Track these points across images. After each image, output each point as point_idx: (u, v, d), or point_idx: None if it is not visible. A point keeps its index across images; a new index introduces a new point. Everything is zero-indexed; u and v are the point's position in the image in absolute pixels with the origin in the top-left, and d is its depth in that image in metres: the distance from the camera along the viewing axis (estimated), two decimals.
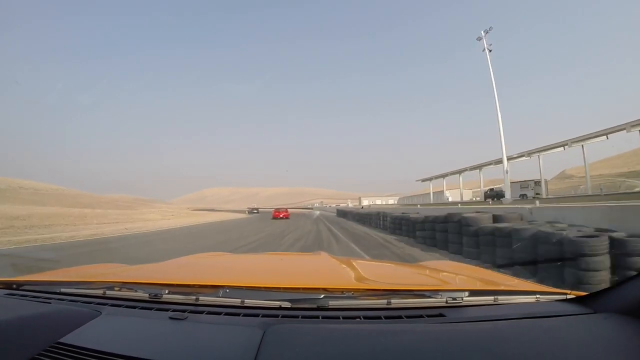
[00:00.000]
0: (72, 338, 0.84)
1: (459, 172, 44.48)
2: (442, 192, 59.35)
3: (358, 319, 0.93)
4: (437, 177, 51.00)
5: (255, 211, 61.95)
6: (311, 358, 0.72)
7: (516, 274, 3.96)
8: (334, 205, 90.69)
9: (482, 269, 1.94)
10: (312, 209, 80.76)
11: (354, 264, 1.79)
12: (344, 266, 1.76)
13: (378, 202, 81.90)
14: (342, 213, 32.56)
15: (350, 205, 78.44)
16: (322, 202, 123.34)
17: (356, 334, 0.83)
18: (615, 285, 0.98)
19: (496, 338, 0.79)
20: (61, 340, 0.83)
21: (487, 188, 40.05)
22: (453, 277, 1.56)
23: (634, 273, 0.94)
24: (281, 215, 29.91)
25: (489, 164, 37.19)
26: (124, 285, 1.18)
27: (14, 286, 1.28)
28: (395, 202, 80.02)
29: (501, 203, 25.48)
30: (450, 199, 50.51)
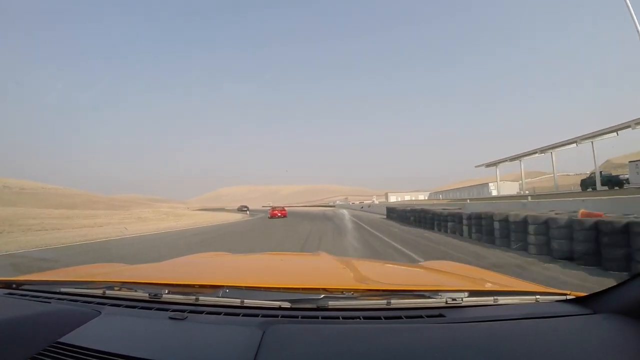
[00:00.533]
0: (71, 338, 0.84)
1: (529, 154, 33.35)
2: (484, 185, 52.44)
3: (358, 319, 0.93)
4: (500, 162, 38.02)
5: (245, 209, 59.49)
6: (311, 358, 0.72)
7: None
8: (357, 202, 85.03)
9: (482, 269, 1.90)
10: (334, 206, 75.35)
11: (353, 264, 1.80)
12: (344, 266, 1.74)
13: (407, 197, 75.41)
14: (394, 213, 22.34)
15: (376, 201, 72.69)
16: (346, 198, 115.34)
17: (356, 334, 0.83)
18: (615, 286, 0.97)
19: (496, 338, 0.79)
20: (61, 340, 0.83)
21: (589, 172, 30.31)
22: (453, 277, 1.56)
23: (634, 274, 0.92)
24: (278, 214, 29.29)
25: (570, 143, 27.64)
26: (124, 285, 1.18)
27: (14, 286, 1.28)
28: (426, 198, 73.77)
29: (622, 192, 18.12)
30: (495, 193, 43.87)
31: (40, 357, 0.77)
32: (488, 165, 40.33)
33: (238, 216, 36.49)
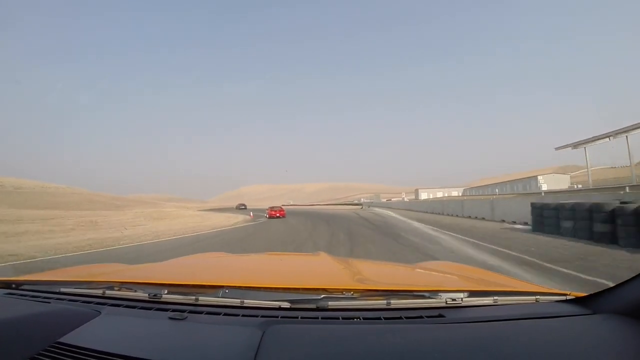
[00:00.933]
0: (71, 338, 0.84)
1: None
2: (531, 179, 47.13)
3: (357, 320, 0.93)
4: (590, 141, 27.84)
5: (243, 206, 60.39)
6: (311, 359, 0.73)
7: None
8: (384, 199, 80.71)
9: (482, 269, 1.90)
10: (361, 205, 71.27)
11: (353, 264, 1.80)
12: (344, 267, 1.74)
13: (439, 194, 70.83)
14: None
15: (406, 199, 68.36)
16: (377, 194, 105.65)
17: (356, 334, 0.83)
18: (615, 286, 0.97)
19: (496, 339, 0.80)
20: (61, 340, 0.83)
21: None
22: (453, 277, 1.56)
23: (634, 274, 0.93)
24: (277, 215, 27.60)
25: None
26: (124, 285, 1.18)
27: (13, 286, 1.27)
28: (460, 194, 68.75)
29: None
30: (545, 187, 38.76)
31: (40, 357, 0.77)
32: (575, 145, 29.53)
33: (239, 218, 26.40)
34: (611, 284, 1.03)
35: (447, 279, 1.52)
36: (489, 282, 1.43)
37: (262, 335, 0.79)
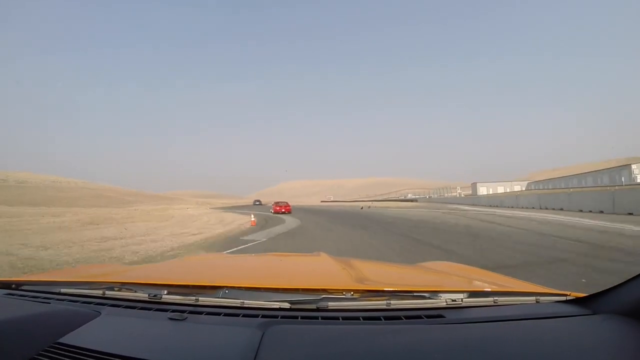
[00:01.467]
0: (71, 338, 0.85)
1: None
2: (622, 168, 40.63)
3: (357, 320, 0.93)
4: None
5: (258, 202, 60.01)
6: (311, 359, 0.73)
7: None
8: (455, 193, 74.83)
9: (482, 270, 1.89)
10: (415, 200, 66.65)
11: (353, 264, 1.79)
12: (344, 267, 1.72)
13: (500, 189, 64.53)
14: None
15: (462, 194, 63.20)
16: (444, 187, 78.93)
17: (356, 335, 0.84)
18: (615, 287, 0.97)
19: (496, 339, 0.80)
20: (60, 340, 0.84)
21: None
22: (453, 278, 1.56)
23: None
24: (282, 210, 26.50)
25: None
26: (124, 285, 1.18)
27: (13, 286, 1.27)
28: (523, 188, 62.12)
29: None
30: None
31: (40, 357, 0.78)
32: None
33: (236, 223, 17.03)
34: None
35: (447, 279, 1.52)
36: (489, 282, 1.42)
37: (262, 336, 0.80)
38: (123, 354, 0.75)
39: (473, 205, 34.12)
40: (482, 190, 63.44)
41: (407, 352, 0.73)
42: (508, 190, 59.61)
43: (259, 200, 66.35)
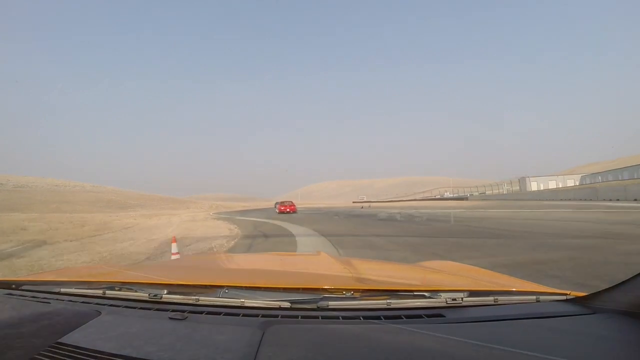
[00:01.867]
0: (71, 338, 0.85)
1: None
2: None
3: (358, 320, 0.93)
4: None
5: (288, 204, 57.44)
6: (311, 358, 0.73)
7: None
8: (476, 193, 72.82)
9: (482, 269, 1.88)
10: (462, 198, 64.95)
11: (353, 264, 1.79)
12: (344, 266, 1.73)
13: (552, 184, 62.17)
14: None
15: (505, 191, 61.25)
16: (492, 185, 59.44)
17: (356, 334, 0.83)
18: (615, 286, 0.97)
19: (496, 338, 0.80)
20: (61, 340, 0.84)
21: None
22: (453, 277, 1.56)
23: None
24: (287, 210, 26.08)
25: None
26: (124, 285, 1.18)
27: (13, 286, 1.27)
28: (577, 183, 59.22)
29: None
30: None
31: (40, 357, 0.77)
32: None
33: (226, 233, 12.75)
34: None
35: (447, 279, 1.51)
36: (489, 281, 1.42)
37: (263, 335, 0.80)
38: (123, 353, 0.75)
39: (582, 201, 28.50)
40: (533, 185, 60.60)
41: (407, 351, 0.73)
42: (560, 185, 57.43)
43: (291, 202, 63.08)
